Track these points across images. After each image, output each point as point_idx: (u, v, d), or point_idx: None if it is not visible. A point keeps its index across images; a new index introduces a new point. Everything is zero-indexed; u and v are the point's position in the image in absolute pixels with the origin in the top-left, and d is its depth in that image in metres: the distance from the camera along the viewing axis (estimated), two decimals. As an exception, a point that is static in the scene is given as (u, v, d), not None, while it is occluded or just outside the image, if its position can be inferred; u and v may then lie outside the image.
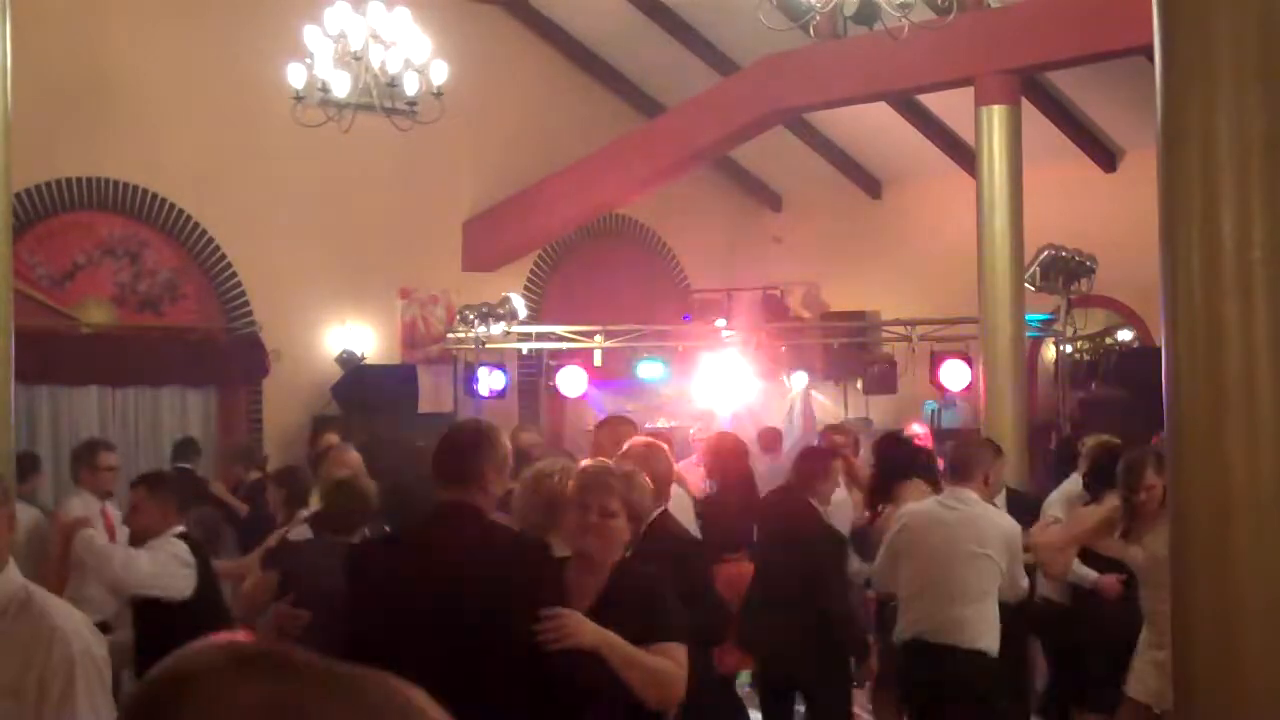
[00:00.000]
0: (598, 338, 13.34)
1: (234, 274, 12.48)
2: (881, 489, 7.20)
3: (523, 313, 12.96)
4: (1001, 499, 6.91)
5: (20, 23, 6.87)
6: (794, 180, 15.96)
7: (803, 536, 6.57)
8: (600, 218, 14.73)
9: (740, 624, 6.15)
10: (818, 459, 7.05)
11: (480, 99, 13.06)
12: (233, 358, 12.38)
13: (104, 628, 4.19)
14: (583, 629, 3.54)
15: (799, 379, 13.63)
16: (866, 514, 7.47)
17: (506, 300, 12.69)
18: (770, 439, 11.13)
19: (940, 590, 5.98)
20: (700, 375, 13.44)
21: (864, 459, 8.58)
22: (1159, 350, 3.84)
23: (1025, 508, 7.12)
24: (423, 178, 13.31)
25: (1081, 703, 7.11)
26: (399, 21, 9.95)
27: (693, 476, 8.42)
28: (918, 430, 11.12)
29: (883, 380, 13.11)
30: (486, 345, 12.76)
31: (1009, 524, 6.17)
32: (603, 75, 14.90)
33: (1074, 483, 7.21)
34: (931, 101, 13.29)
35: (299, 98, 9.89)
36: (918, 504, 6.42)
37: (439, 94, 9.97)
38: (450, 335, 13.25)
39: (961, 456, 6.35)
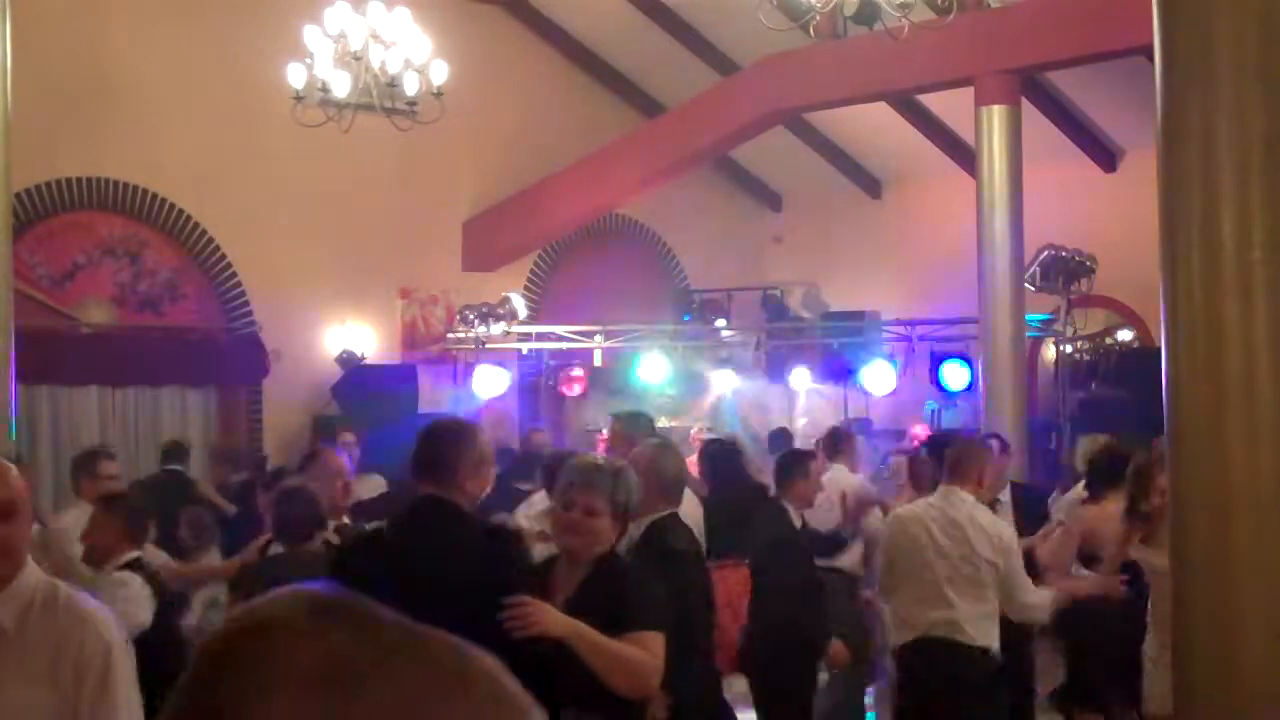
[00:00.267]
0: (598, 338, 13.34)
1: (234, 274, 12.48)
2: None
3: (523, 313, 12.97)
4: (1006, 493, 6.92)
5: (20, 23, 6.90)
6: (794, 180, 15.95)
7: (755, 541, 6.63)
8: (600, 218, 14.72)
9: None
10: (795, 462, 7.07)
11: (480, 99, 13.05)
12: (233, 358, 12.38)
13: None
14: (548, 617, 3.55)
15: (799, 378, 13.61)
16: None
17: (506, 300, 12.70)
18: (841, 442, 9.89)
19: (938, 590, 5.98)
20: (700, 375, 13.43)
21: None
22: (1159, 350, 3.83)
23: (1031, 503, 7.13)
24: (423, 178, 13.30)
25: (1083, 702, 7.12)
26: (399, 21, 9.96)
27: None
28: (918, 431, 11.12)
29: (883, 380, 13.09)
30: (486, 345, 12.76)
31: (1003, 527, 6.17)
32: (603, 75, 14.90)
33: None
34: (931, 101, 13.28)
35: (299, 98, 9.90)
36: (911, 505, 6.42)
37: (439, 94, 9.97)
38: (450, 335, 13.25)
39: (955, 457, 6.35)
